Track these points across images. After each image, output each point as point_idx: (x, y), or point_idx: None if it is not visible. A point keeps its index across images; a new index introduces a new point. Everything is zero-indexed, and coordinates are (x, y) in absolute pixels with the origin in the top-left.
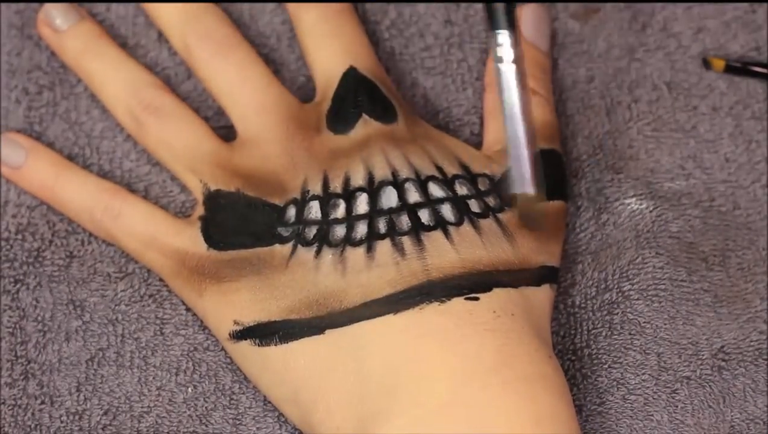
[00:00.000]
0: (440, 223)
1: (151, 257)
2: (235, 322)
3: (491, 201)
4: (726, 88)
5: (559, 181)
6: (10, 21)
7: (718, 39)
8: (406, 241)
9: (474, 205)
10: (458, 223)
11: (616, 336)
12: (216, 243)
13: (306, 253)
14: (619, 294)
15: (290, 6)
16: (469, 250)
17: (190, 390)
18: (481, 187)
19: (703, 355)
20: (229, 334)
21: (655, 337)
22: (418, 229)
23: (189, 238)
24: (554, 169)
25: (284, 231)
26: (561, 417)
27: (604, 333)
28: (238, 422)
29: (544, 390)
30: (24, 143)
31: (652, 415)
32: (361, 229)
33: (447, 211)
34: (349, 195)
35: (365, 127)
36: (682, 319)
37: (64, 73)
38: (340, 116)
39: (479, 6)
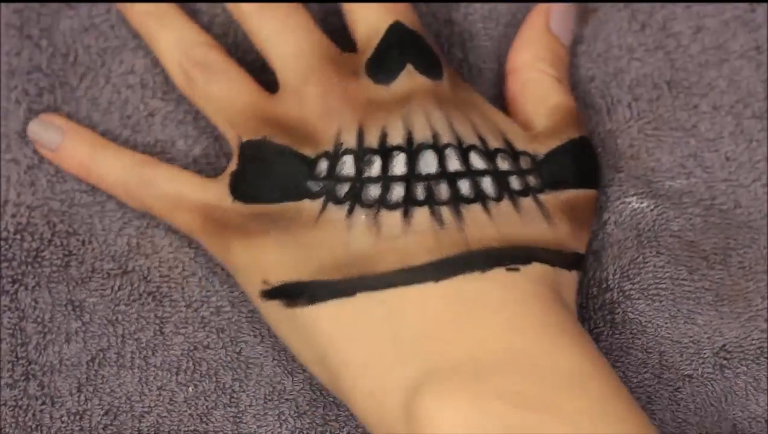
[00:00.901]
0: (480, 197)
1: (179, 217)
2: (264, 282)
3: (532, 180)
4: (726, 86)
5: (592, 169)
6: (9, 21)
7: (718, 38)
8: (445, 211)
9: (515, 183)
10: (498, 199)
11: (617, 336)
12: (241, 195)
13: (337, 212)
14: (620, 294)
15: None
16: (508, 226)
17: (190, 389)
18: (523, 166)
19: (704, 354)
20: (259, 293)
21: (657, 336)
22: (457, 200)
23: (214, 192)
24: (590, 157)
25: (314, 186)
26: (606, 372)
27: (605, 333)
28: (238, 420)
29: (592, 344)
30: (59, 124)
31: (654, 414)
32: (398, 192)
33: (487, 185)
34: (385, 152)
35: (409, 79)
36: (684, 318)
37: (64, 75)
38: (383, 64)
39: (478, 5)
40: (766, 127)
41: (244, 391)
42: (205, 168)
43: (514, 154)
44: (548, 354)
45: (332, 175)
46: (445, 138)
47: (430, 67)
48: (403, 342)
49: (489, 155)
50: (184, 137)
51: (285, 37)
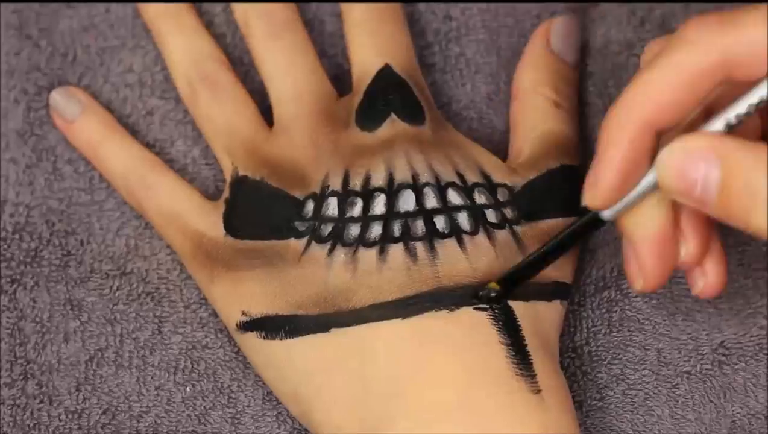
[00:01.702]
0: (455, 231)
1: (172, 235)
2: (243, 313)
3: (509, 212)
4: None
5: (575, 197)
6: (8, 21)
7: None
8: (420, 247)
9: (491, 216)
10: (473, 233)
11: (615, 333)
12: (234, 231)
13: (319, 250)
14: (618, 292)
15: (342, 3)
16: (481, 260)
17: (188, 389)
18: (500, 198)
19: (703, 350)
20: (237, 324)
21: (655, 333)
22: (432, 236)
23: (210, 222)
24: (572, 185)
25: (301, 226)
26: (568, 429)
27: (603, 331)
28: (236, 421)
29: (551, 401)
30: (82, 98)
31: (653, 410)
32: (376, 230)
33: (463, 220)
34: (367, 194)
35: (392, 126)
36: (682, 315)
37: (63, 74)
38: (369, 113)
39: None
40: None
41: (242, 391)
42: (204, 168)
43: (491, 187)
44: (494, 415)
45: (317, 216)
46: (424, 177)
47: (411, 114)
48: (371, 380)
49: (467, 191)
50: (183, 137)
51: (287, 78)
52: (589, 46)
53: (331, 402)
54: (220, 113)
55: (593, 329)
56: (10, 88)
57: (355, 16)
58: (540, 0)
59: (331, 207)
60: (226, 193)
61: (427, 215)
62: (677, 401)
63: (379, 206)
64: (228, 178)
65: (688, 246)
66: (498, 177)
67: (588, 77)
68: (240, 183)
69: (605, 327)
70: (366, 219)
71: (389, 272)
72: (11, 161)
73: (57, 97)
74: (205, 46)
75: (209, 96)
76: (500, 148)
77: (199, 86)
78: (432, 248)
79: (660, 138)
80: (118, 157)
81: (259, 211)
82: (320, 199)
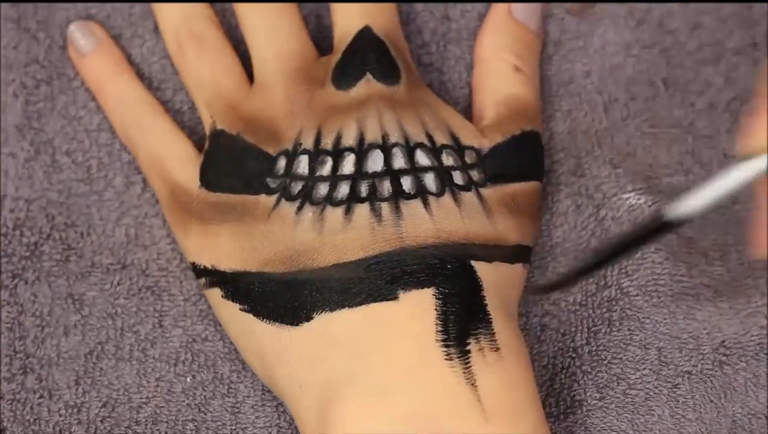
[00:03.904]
0: (421, 192)
1: (154, 180)
2: (210, 268)
3: (475, 175)
4: (723, 84)
5: (540, 164)
6: (6, 14)
7: (715, 35)
8: (385, 207)
9: (458, 177)
10: (439, 194)
11: (615, 332)
12: (208, 183)
13: (288, 208)
14: (618, 291)
15: None
16: (445, 222)
17: (188, 380)
18: (468, 160)
19: (704, 350)
20: (203, 282)
21: (655, 332)
22: (398, 196)
23: (188, 172)
24: (534, 150)
25: (272, 183)
26: (527, 387)
27: (603, 330)
28: (236, 410)
29: (510, 360)
30: (98, 35)
31: (653, 410)
32: (343, 190)
33: (430, 181)
34: (337, 153)
35: (366, 86)
36: (683, 314)
37: (61, 66)
38: (345, 72)
39: (475, 3)
40: None
41: (242, 382)
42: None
43: (459, 149)
44: (453, 373)
45: (289, 173)
46: (394, 137)
47: (387, 74)
48: (332, 339)
49: (435, 152)
50: (181, 128)
51: (268, 39)
52: (587, 46)
53: (293, 360)
54: (204, 67)
55: (593, 328)
56: (9, 81)
57: None
58: (537, 0)
59: (302, 165)
60: (206, 146)
61: (395, 175)
62: (678, 401)
63: (348, 166)
64: (207, 131)
65: None
66: (466, 139)
67: (586, 75)
68: (217, 136)
69: (605, 326)
70: (335, 178)
71: (354, 231)
72: (10, 155)
73: (74, 30)
74: (195, 5)
75: (195, 51)
76: None
77: (188, 42)
78: (397, 208)
79: None
80: (121, 94)
81: (232, 165)
82: (292, 156)
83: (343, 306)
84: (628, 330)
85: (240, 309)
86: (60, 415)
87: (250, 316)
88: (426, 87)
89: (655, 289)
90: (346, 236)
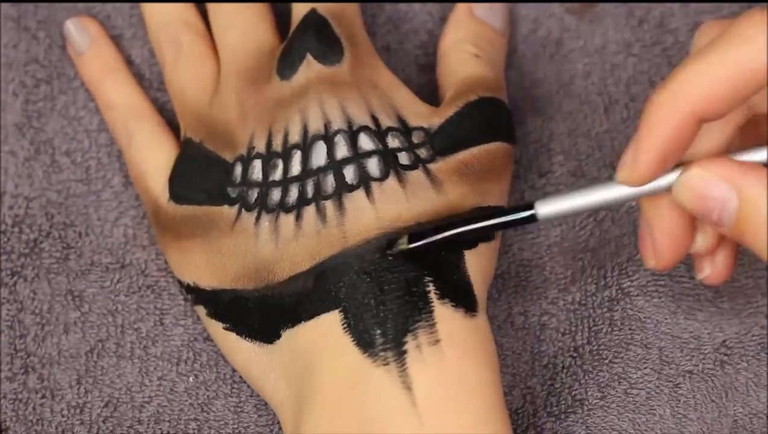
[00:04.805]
0: (364, 180)
1: (140, 192)
2: (191, 286)
3: (423, 153)
4: None
5: (500, 125)
6: (6, 13)
7: None
8: (329, 206)
9: (404, 158)
10: (383, 178)
11: (616, 332)
12: (175, 196)
13: (248, 218)
14: (619, 291)
15: None
16: (389, 207)
17: (191, 379)
18: (415, 140)
19: (705, 349)
20: (185, 298)
21: (657, 332)
22: (341, 191)
23: (163, 185)
24: (493, 113)
25: (232, 192)
26: (468, 378)
27: (604, 330)
28: (239, 410)
29: (451, 352)
30: (93, 31)
31: (654, 409)
32: (293, 193)
33: (373, 166)
34: (286, 153)
35: (307, 70)
36: (684, 314)
37: (61, 66)
38: (286, 59)
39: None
40: None
41: (245, 382)
42: None
43: (407, 131)
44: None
45: (245, 180)
46: (336, 124)
47: (327, 52)
48: (296, 355)
49: (380, 135)
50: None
51: (226, 38)
52: (587, 46)
53: (272, 379)
54: (180, 75)
55: (595, 328)
56: (9, 80)
57: None
58: (538, 0)
59: (257, 170)
60: (176, 157)
61: (337, 167)
62: (679, 400)
63: (296, 166)
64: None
65: (706, 237)
66: (414, 120)
67: (586, 75)
68: (185, 145)
69: (607, 326)
70: (285, 181)
71: (303, 239)
72: (10, 154)
73: (70, 27)
74: (176, 8)
75: (172, 58)
76: None
77: (166, 47)
78: (340, 205)
79: (701, 127)
80: (114, 94)
81: (196, 175)
82: (246, 161)
83: (299, 321)
84: (630, 329)
85: (224, 328)
86: (63, 415)
87: (233, 335)
88: (382, 66)
89: (655, 289)
90: (298, 244)
